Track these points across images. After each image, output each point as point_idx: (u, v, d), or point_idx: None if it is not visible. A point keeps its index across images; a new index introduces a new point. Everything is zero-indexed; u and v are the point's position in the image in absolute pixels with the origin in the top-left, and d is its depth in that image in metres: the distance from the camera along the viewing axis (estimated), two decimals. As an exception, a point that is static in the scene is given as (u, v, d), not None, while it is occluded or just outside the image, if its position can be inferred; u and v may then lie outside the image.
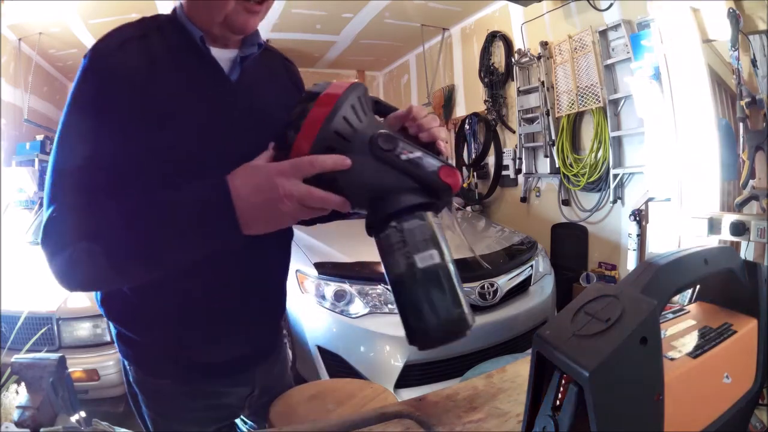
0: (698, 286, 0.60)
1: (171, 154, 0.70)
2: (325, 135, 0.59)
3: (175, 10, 0.80)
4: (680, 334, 0.52)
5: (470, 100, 5.03)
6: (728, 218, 1.69)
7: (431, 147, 0.67)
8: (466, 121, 4.84)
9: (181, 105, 0.72)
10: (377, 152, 0.60)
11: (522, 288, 2.60)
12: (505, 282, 2.51)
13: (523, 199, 4.37)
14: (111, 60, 0.69)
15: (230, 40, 0.80)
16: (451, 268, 0.58)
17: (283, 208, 0.59)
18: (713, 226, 1.73)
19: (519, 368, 0.81)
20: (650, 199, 2.52)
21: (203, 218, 0.61)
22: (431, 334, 0.56)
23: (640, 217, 2.59)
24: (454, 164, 0.66)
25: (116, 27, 0.75)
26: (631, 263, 2.67)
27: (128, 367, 0.87)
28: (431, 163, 0.61)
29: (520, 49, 4.13)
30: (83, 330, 2.43)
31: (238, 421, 0.99)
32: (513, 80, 4.30)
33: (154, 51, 0.73)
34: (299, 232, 2.47)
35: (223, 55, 0.79)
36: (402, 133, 0.66)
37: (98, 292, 0.84)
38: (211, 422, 0.90)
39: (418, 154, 0.61)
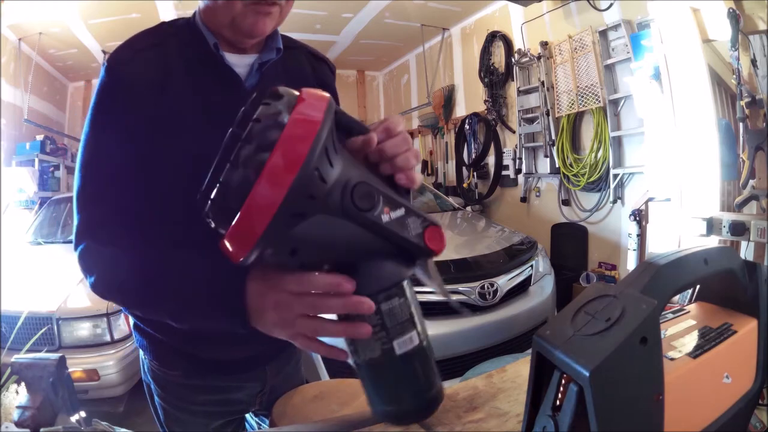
0: (698, 286, 0.60)
1: (185, 162, 0.68)
2: (294, 199, 0.43)
3: (194, 14, 0.79)
4: (680, 334, 0.52)
5: (470, 100, 5.03)
6: (728, 218, 1.69)
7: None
8: (466, 121, 4.84)
9: (194, 114, 0.72)
10: (353, 214, 0.47)
11: (522, 288, 2.60)
12: (505, 282, 2.51)
13: (523, 199, 4.37)
14: (126, 70, 0.70)
15: (247, 46, 0.77)
16: (427, 343, 0.53)
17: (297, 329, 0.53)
18: (713, 226, 1.73)
19: (519, 368, 0.81)
20: (650, 199, 2.52)
21: (215, 312, 0.58)
22: (401, 417, 0.53)
23: (640, 217, 2.58)
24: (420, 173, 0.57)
25: (134, 35, 0.75)
26: (631, 263, 2.67)
27: (143, 357, 0.89)
28: (416, 224, 0.51)
29: (520, 49, 4.13)
30: (83, 330, 2.43)
31: (248, 415, 0.99)
32: (513, 80, 4.31)
33: (170, 59, 0.73)
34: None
35: (240, 61, 0.77)
36: (366, 161, 0.54)
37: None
38: (220, 416, 0.90)
39: (400, 212, 0.50)
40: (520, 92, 4.19)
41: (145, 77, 0.70)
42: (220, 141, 0.50)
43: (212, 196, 0.46)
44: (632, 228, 2.62)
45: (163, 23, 0.78)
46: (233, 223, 0.44)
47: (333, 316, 0.52)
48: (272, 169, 0.43)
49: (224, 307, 0.55)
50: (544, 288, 2.70)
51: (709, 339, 0.50)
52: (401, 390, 0.52)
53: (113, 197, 0.69)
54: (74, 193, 0.70)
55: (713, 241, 1.73)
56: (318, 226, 0.46)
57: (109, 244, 0.66)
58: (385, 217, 0.49)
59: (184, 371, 0.85)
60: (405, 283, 0.52)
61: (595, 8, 3.28)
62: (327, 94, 0.49)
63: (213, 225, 0.48)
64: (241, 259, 0.45)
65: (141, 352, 0.89)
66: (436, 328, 2.09)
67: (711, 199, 1.94)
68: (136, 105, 0.69)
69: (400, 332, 0.50)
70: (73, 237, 0.68)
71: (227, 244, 0.46)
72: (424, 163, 5.92)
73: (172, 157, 0.70)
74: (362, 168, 0.51)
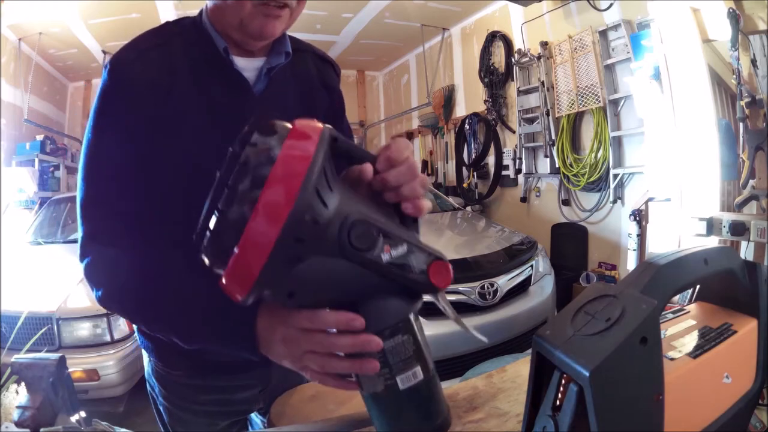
0: (698, 286, 0.60)
1: (187, 165, 0.68)
2: (285, 244, 0.41)
3: (200, 14, 0.76)
4: (680, 334, 0.52)
5: (470, 100, 5.03)
6: (728, 218, 1.69)
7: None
8: (466, 121, 4.84)
9: (198, 114, 0.71)
10: (351, 254, 0.45)
11: (522, 288, 2.61)
12: (505, 282, 2.51)
13: (523, 199, 4.37)
14: (128, 71, 0.68)
15: (255, 48, 0.75)
16: (433, 375, 0.52)
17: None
18: (713, 226, 1.73)
19: (519, 368, 0.81)
20: (650, 199, 2.52)
21: (226, 340, 0.58)
22: None
23: (640, 217, 2.58)
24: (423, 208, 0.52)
25: (139, 35, 0.73)
26: (631, 263, 2.67)
27: (147, 359, 0.89)
28: (419, 260, 0.49)
29: (520, 49, 4.13)
30: (83, 330, 2.43)
31: (253, 415, 0.99)
32: (513, 80, 4.31)
33: (174, 59, 0.71)
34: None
35: (249, 65, 0.76)
36: (370, 188, 0.52)
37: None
38: (224, 416, 0.90)
39: (402, 249, 0.48)
40: (520, 92, 4.19)
41: (148, 77, 0.68)
42: (223, 143, 0.49)
43: (206, 239, 0.44)
44: (632, 228, 2.62)
45: (168, 23, 0.76)
46: (227, 266, 0.43)
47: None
48: (262, 210, 0.41)
49: (235, 336, 0.56)
50: (544, 288, 2.70)
51: (709, 339, 0.50)
52: (406, 422, 0.51)
53: (116, 202, 0.67)
54: (78, 202, 0.68)
55: (713, 241, 1.73)
56: (315, 267, 0.44)
57: (115, 256, 0.66)
58: (385, 256, 0.47)
59: (187, 371, 0.85)
60: (411, 317, 0.51)
61: (595, 8, 3.27)
62: (319, 125, 0.47)
63: (210, 265, 0.46)
64: (240, 300, 0.44)
65: (144, 354, 0.89)
66: (436, 328, 2.09)
67: (711, 199, 1.94)
68: (137, 105, 0.67)
69: (403, 369, 0.49)
70: (78, 248, 0.67)
71: (225, 285, 0.45)
72: (424, 163, 5.92)
73: (173, 157, 0.69)
74: (362, 200, 0.49)
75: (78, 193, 0.68)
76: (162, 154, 0.69)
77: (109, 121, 0.68)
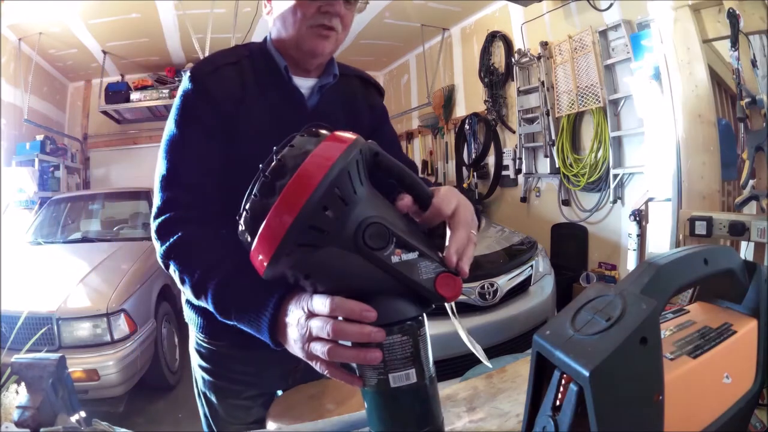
0: (698, 286, 0.60)
1: (248, 163, 0.73)
2: (299, 230, 0.48)
3: (265, 40, 0.91)
4: (680, 334, 0.52)
5: (470, 100, 5.03)
6: (728, 218, 1.69)
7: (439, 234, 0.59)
8: (466, 121, 4.85)
9: (263, 126, 0.83)
10: (363, 250, 0.50)
11: (522, 288, 2.61)
12: (505, 282, 2.51)
13: (523, 199, 4.37)
14: (207, 81, 0.82)
15: (311, 67, 0.89)
16: (429, 383, 0.53)
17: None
18: (713, 226, 1.73)
19: (519, 368, 0.81)
20: (650, 199, 2.52)
21: (250, 318, 0.65)
22: None
23: (640, 217, 2.58)
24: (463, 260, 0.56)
25: (214, 53, 0.89)
26: (631, 263, 2.67)
27: (194, 332, 0.98)
28: (428, 268, 0.52)
29: (520, 49, 4.13)
30: (83, 330, 2.43)
31: (279, 392, 1.03)
32: (513, 80, 4.31)
33: (245, 76, 0.86)
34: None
35: (304, 83, 0.90)
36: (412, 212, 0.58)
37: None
38: (254, 387, 0.99)
39: (413, 255, 0.52)
40: (520, 92, 4.19)
41: (225, 89, 0.83)
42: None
43: (243, 216, 0.53)
44: (632, 228, 2.63)
45: (239, 46, 0.92)
46: (254, 242, 0.51)
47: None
48: (283, 198, 0.49)
49: (257, 318, 0.62)
50: (544, 288, 2.70)
51: (709, 339, 0.50)
52: (395, 422, 0.53)
53: (191, 181, 0.79)
54: (158, 178, 0.81)
55: (713, 241, 1.73)
56: (332, 255, 0.50)
57: (188, 223, 0.76)
58: (395, 258, 0.51)
59: (227, 341, 0.93)
60: (415, 323, 0.53)
61: (595, 8, 3.27)
62: (353, 136, 0.54)
63: (245, 243, 0.53)
64: (263, 273, 0.52)
65: (190, 326, 0.99)
66: (436, 328, 2.08)
67: (711, 199, 1.94)
68: (216, 111, 0.81)
69: (397, 367, 0.51)
70: (154, 210, 0.79)
71: (252, 258, 0.52)
72: (424, 163, 5.92)
73: (239, 155, 0.80)
74: (391, 209, 0.55)
75: (159, 172, 0.81)
76: (230, 150, 0.82)
77: (191, 119, 0.82)
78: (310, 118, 0.82)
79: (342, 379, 0.55)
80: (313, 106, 0.90)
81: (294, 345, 0.58)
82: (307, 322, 0.55)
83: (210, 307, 0.69)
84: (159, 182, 0.81)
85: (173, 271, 0.75)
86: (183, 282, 0.74)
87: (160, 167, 0.81)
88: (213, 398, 0.98)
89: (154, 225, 0.78)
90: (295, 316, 0.57)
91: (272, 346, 0.62)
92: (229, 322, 0.68)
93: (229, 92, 0.83)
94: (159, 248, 0.77)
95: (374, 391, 0.53)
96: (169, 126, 0.83)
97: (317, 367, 0.56)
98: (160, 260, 0.77)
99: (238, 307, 0.66)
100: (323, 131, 0.54)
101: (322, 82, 0.91)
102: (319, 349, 0.54)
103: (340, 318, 0.52)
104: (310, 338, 0.55)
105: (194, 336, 0.99)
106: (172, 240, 0.75)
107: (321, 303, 0.53)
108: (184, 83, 0.83)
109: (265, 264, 0.50)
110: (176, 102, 0.84)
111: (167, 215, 0.77)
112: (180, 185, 0.80)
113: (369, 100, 1.00)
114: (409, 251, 0.52)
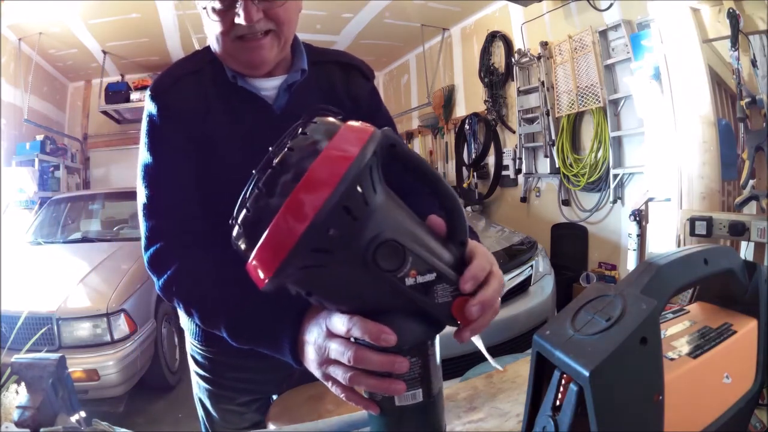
0: (698, 286, 0.60)
1: (223, 176, 0.72)
2: (302, 251, 0.41)
3: None
4: (680, 334, 0.52)
5: (470, 100, 5.03)
6: (728, 218, 1.69)
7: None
8: (466, 121, 4.84)
9: (233, 135, 0.79)
10: (374, 271, 0.44)
11: (522, 288, 2.60)
12: (505, 282, 2.50)
13: (523, 199, 4.37)
14: (167, 98, 0.78)
15: (260, 74, 0.80)
16: (435, 399, 0.51)
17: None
18: (713, 226, 1.73)
19: (519, 368, 0.81)
20: (650, 199, 2.52)
21: (269, 340, 0.62)
22: None
23: (640, 217, 2.58)
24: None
25: (175, 62, 0.84)
26: (631, 263, 2.67)
27: (188, 337, 0.98)
28: (444, 291, 0.48)
29: (520, 49, 4.13)
30: (83, 330, 2.43)
31: (274, 396, 1.03)
32: (513, 80, 4.30)
33: (206, 86, 0.80)
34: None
35: (268, 84, 0.82)
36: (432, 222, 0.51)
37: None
38: (248, 393, 0.97)
39: (429, 277, 0.47)
40: (520, 92, 4.19)
41: (186, 102, 0.77)
42: (251, 156, 0.51)
43: (238, 223, 0.45)
44: (632, 228, 2.62)
45: (199, 51, 0.85)
46: (254, 251, 0.43)
47: None
48: (287, 209, 0.41)
49: (277, 343, 0.59)
50: (544, 288, 2.70)
51: (709, 339, 0.50)
52: None
53: (171, 206, 0.76)
54: (140, 206, 0.78)
55: (713, 241, 1.73)
56: (335, 274, 0.45)
57: (180, 249, 0.73)
58: (409, 280, 0.46)
59: (222, 348, 0.89)
60: (427, 343, 0.50)
61: (595, 8, 3.27)
62: (368, 130, 0.46)
63: (241, 248, 0.46)
64: (262, 287, 0.45)
65: (186, 333, 0.98)
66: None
67: (711, 199, 1.94)
68: (182, 128, 0.77)
69: (406, 386, 0.49)
70: (143, 241, 0.77)
71: (250, 270, 0.45)
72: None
73: (213, 169, 0.78)
74: (404, 217, 0.48)
75: (140, 200, 0.79)
76: (204, 166, 0.78)
77: (159, 141, 0.78)
78: (279, 120, 0.78)
79: (358, 403, 0.52)
80: (281, 107, 0.82)
81: (311, 364, 0.55)
82: (325, 342, 0.52)
83: (224, 336, 0.67)
84: (142, 211, 0.78)
85: (176, 304, 0.73)
86: (190, 315, 0.72)
87: (140, 195, 0.79)
88: (208, 403, 0.98)
89: (146, 257, 0.76)
90: (313, 335, 0.54)
91: (295, 366, 0.59)
92: (245, 347, 0.66)
93: (191, 106, 0.78)
94: (156, 282, 0.74)
95: (379, 407, 0.51)
96: (141, 151, 0.80)
97: (333, 388, 0.53)
98: (159, 292, 0.75)
99: (256, 335, 0.63)
100: (328, 121, 0.46)
101: (290, 80, 0.82)
102: (340, 374, 0.51)
103: (357, 337, 0.48)
104: (328, 361, 0.52)
105: (189, 342, 0.98)
106: (168, 274, 0.72)
107: (340, 322, 0.49)
108: (147, 104, 0.79)
109: (271, 274, 0.43)
110: (143, 125, 0.80)
111: (156, 246, 0.75)
112: (162, 212, 0.77)
113: (352, 89, 0.89)
114: (426, 272, 0.46)
